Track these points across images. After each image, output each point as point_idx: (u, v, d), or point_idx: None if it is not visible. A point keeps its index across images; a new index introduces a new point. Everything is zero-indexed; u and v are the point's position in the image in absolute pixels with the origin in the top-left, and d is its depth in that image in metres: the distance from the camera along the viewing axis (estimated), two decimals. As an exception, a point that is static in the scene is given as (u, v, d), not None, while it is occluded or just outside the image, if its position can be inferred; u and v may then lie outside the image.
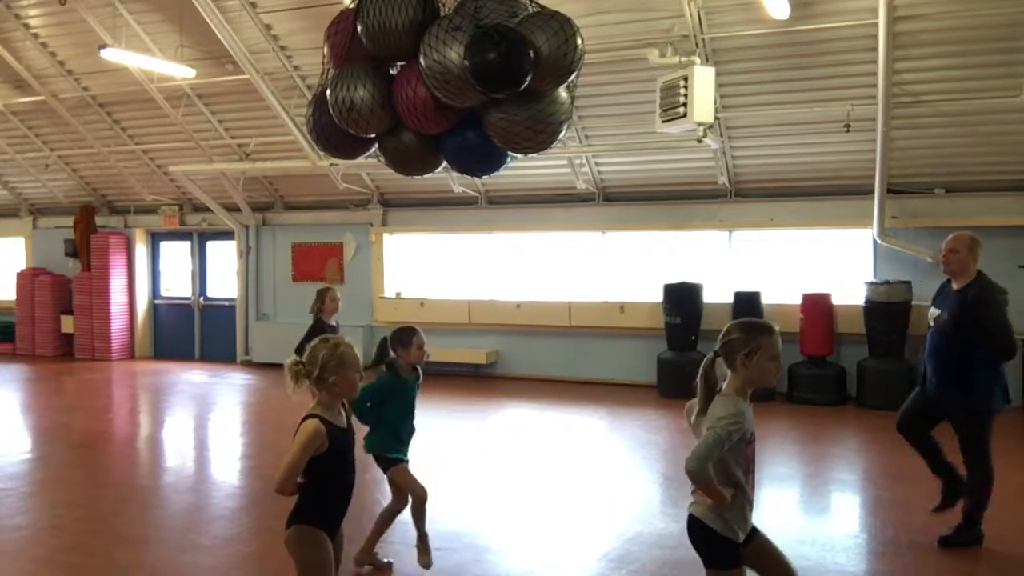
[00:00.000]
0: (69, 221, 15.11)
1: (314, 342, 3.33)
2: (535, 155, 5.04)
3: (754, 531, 3.18)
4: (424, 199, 12.75)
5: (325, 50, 5.01)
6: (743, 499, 3.07)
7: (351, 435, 3.33)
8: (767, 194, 10.83)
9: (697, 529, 3.13)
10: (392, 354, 4.64)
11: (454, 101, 4.46)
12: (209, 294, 14.91)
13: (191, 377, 12.87)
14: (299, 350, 7.23)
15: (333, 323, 7.10)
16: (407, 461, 4.73)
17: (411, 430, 4.78)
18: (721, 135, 9.97)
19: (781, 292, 10.45)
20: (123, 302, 14.72)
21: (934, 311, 5.20)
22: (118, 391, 12.07)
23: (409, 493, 4.67)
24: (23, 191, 15.79)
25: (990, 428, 5.11)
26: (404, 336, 4.63)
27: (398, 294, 13.03)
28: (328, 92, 4.78)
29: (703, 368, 3.15)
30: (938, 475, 5.32)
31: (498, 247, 12.57)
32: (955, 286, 5.11)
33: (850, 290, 10.21)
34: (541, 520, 5.83)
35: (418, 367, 4.73)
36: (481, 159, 4.97)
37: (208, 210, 13.81)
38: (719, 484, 3.00)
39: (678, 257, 11.45)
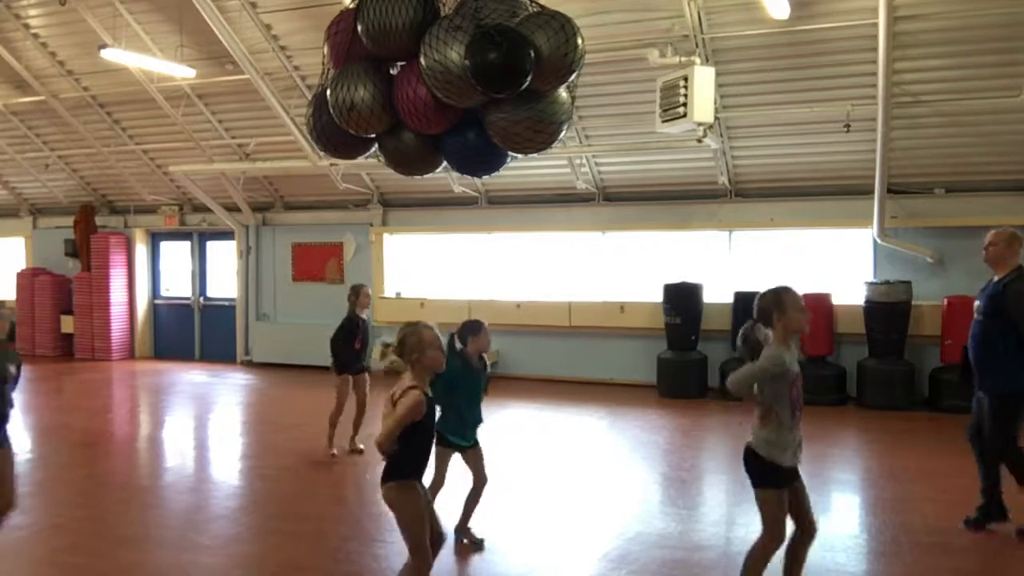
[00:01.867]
0: (69, 221, 15.11)
1: (401, 328, 3.85)
2: (535, 155, 5.04)
3: (797, 474, 3.88)
4: (424, 199, 12.75)
5: (325, 50, 5.01)
6: (786, 433, 3.78)
7: (434, 408, 3.90)
8: (767, 194, 10.83)
9: (749, 455, 3.87)
10: (460, 345, 5.08)
11: (455, 101, 4.46)
12: (209, 294, 14.91)
13: (191, 377, 12.87)
14: (334, 340, 7.68)
15: (364, 316, 7.87)
16: (473, 444, 5.19)
17: (477, 418, 5.23)
18: (721, 135, 9.97)
19: (781, 292, 10.42)
20: (123, 302, 14.71)
21: (976, 303, 5.42)
22: (118, 391, 12.07)
23: (435, 474, 5.06)
24: (23, 191, 15.79)
25: (1019, 416, 5.16)
26: (475, 325, 5.16)
27: (398, 294, 13.03)
28: (328, 92, 4.78)
29: (743, 331, 3.97)
30: (983, 492, 5.39)
31: (498, 247, 12.57)
32: (995, 278, 5.31)
33: (850, 290, 10.21)
34: (541, 520, 5.83)
35: (484, 357, 5.24)
36: (481, 159, 4.98)
37: (208, 210, 13.81)
38: (766, 414, 3.80)
39: (678, 257, 11.45)
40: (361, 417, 7.79)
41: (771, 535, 3.81)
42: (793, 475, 3.86)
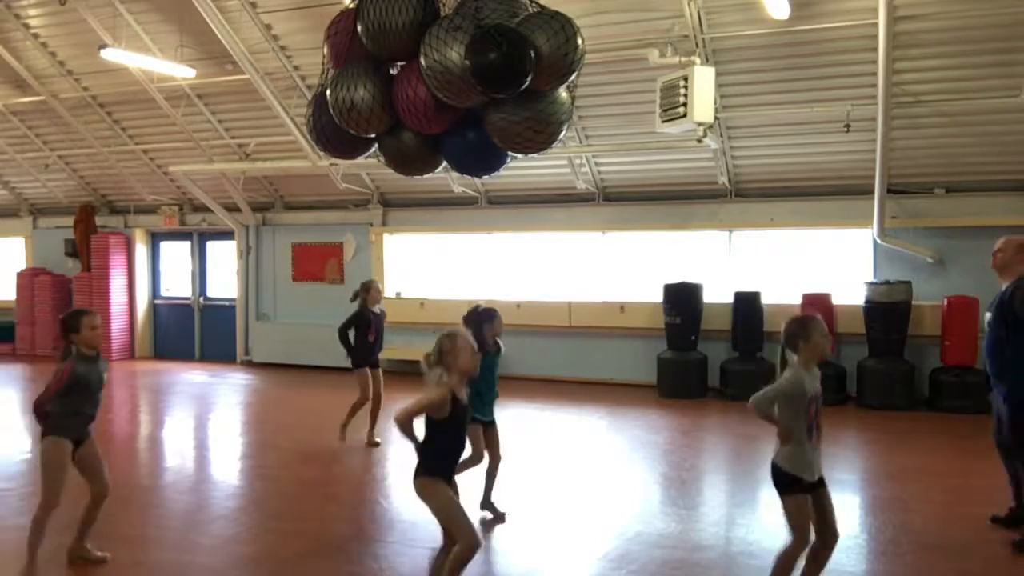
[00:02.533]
0: (69, 221, 15.11)
1: (438, 336, 4.06)
2: (535, 155, 5.04)
3: (822, 483, 4.10)
4: (424, 199, 12.75)
5: (325, 50, 5.01)
6: (805, 449, 4.04)
7: (468, 411, 4.15)
8: (767, 194, 10.83)
9: (774, 470, 4.13)
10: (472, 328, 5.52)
11: (455, 101, 4.47)
12: (209, 294, 14.92)
13: (191, 377, 12.87)
14: (341, 330, 7.95)
15: (377, 310, 8.03)
16: (491, 421, 5.63)
17: (495, 395, 5.66)
18: (721, 135, 9.97)
19: (781, 292, 10.44)
20: (123, 302, 14.71)
21: (987, 313, 5.43)
22: (118, 391, 12.06)
23: (472, 450, 5.41)
24: (23, 191, 15.79)
25: None
26: (489, 313, 5.62)
27: (398, 294, 13.02)
28: (328, 92, 4.79)
29: (780, 356, 4.24)
30: (1016, 497, 5.43)
31: (498, 247, 12.57)
32: (1003, 286, 5.27)
33: (850, 290, 10.20)
34: (541, 520, 5.83)
35: (499, 340, 5.66)
36: (481, 159, 4.98)
37: (208, 210, 13.81)
38: (785, 432, 4.03)
39: (678, 257, 11.44)
40: (378, 410, 7.98)
41: (797, 539, 4.07)
42: (818, 483, 4.09)
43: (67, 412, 4.71)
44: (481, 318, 5.52)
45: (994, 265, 5.34)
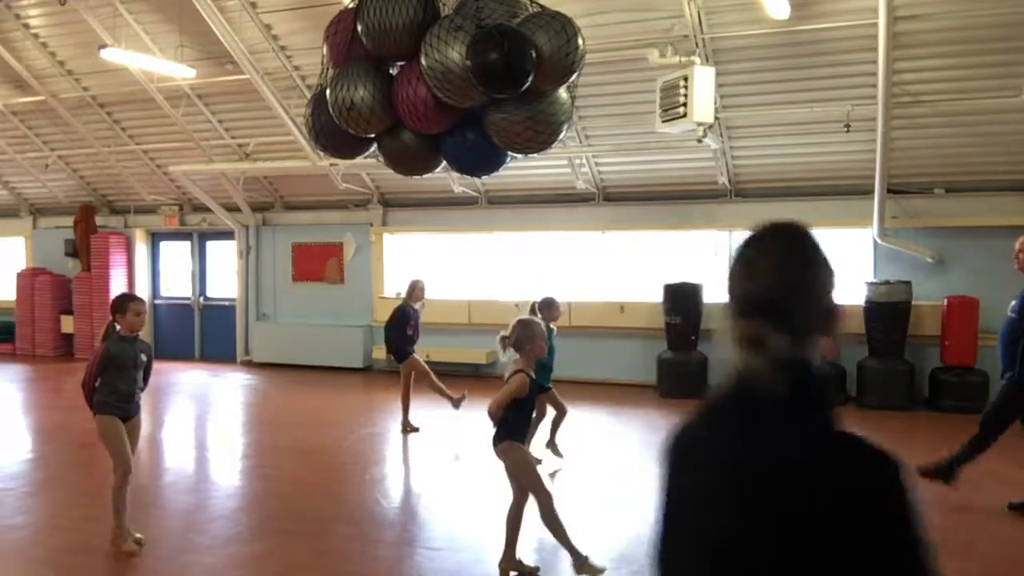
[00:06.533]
0: (69, 221, 15.10)
1: (512, 322, 4.79)
2: (535, 155, 5.05)
3: None
4: (424, 199, 12.75)
5: (325, 50, 5.02)
6: None
7: (537, 384, 4.86)
8: (767, 194, 10.82)
9: None
10: (538, 315, 6.63)
11: (455, 101, 4.47)
12: (209, 294, 14.92)
13: (191, 377, 12.87)
14: (387, 329, 8.84)
15: (417, 307, 8.89)
16: (549, 389, 6.91)
17: (551, 367, 6.94)
18: (721, 135, 9.96)
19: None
20: (123, 302, 14.68)
21: (1013, 302, 5.86)
22: (118, 391, 12.06)
23: (552, 407, 7.17)
24: (23, 191, 15.78)
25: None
26: (549, 300, 7.03)
27: (398, 294, 12.98)
28: (328, 92, 4.79)
29: None
30: None
31: (498, 247, 12.57)
32: None
33: (850, 290, 10.20)
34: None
35: (552, 325, 6.93)
36: (481, 159, 4.99)
37: (208, 210, 13.81)
38: None
39: (678, 257, 11.44)
40: (434, 382, 8.71)
41: None
42: None
43: (107, 391, 5.13)
44: (541, 304, 6.93)
45: (1018, 267, 5.76)
